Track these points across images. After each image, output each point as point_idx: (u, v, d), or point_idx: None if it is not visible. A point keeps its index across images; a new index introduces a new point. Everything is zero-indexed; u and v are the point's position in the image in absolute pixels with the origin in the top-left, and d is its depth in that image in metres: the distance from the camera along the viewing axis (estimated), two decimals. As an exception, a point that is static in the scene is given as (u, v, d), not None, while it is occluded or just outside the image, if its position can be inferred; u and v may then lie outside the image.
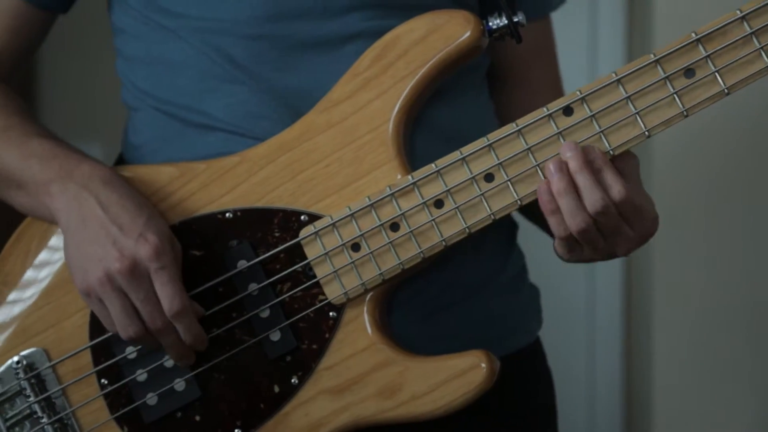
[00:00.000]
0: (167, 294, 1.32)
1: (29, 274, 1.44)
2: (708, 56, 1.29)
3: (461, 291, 1.44)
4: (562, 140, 1.31)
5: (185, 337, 1.34)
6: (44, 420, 1.40)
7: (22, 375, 1.40)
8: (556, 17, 1.63)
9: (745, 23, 1.28)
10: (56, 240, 1.42)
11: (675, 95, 1.30)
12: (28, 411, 1.40)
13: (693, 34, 1.30)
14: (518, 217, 1.58)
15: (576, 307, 2.74)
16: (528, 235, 1.59)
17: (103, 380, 1.40)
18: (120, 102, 1.52)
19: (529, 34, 1.53)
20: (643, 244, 1.35)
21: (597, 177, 1.28)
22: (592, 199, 1.28)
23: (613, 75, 1.31)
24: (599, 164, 1.29)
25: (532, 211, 1.39)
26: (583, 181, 1.28)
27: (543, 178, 1.31)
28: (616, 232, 1.31)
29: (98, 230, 1.33)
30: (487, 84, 1.54)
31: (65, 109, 2.28)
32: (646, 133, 1.31)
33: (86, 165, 1.38)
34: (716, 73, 1.29)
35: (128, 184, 1.38)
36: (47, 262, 1.43)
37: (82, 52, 2.66)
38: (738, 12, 1.29)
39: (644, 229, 1.33)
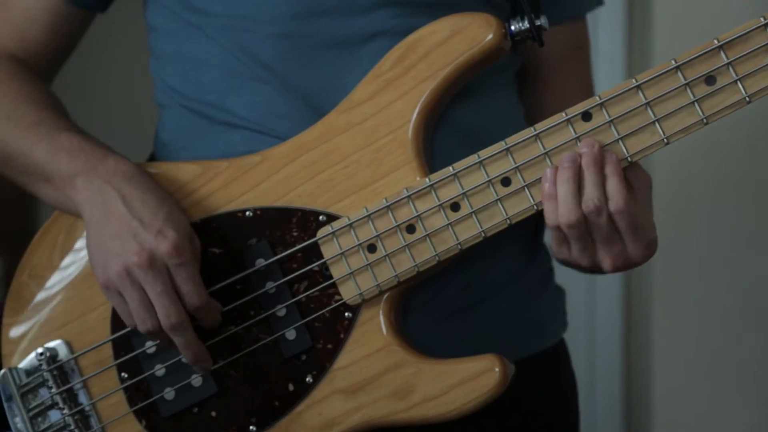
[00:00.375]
0: (188, 290, 1.35)
1: (55, 268, 1.47)
2: (729, 63, 1.28)
3: (480, 293, 1.44)
4: (579, 145, 1.31)
5: (205, 326, 1.37)
6: (65, 411, 1.43)
7: (45, 366, 1.44)
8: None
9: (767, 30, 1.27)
10: (82, 234, 1.46)
11: (695, 102, 1.29)
12: (50, 402, 1.44)
13: (715, 41, 1.29)
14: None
15: (576, 308, 2.71)
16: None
17: (123, 374, 1.43)
18: (147, 104, 1.55)
19: (563, 37, 1.54)
20: (629, 267, 1.34)
21: (603, 180, 1.28)
22: (589, 196, 1.28)
23: (633, 81, 1.31)
24: (611, 170, 1.29)
25: None
26: (588, 177, 1.28)
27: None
28: (606, 239, 1.30)
29: (119, 225, 1.36)
30: (519, 86, 1.54)
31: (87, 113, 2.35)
32: (665, 140, 1.30)
33: (111, 160, 1.41)
34: (738, 81, 1.28)
35: (152, 180, 1.41)
36: (73, 257, 1.46)
37: (111, 52, 2.73)
38: (762, 19, 1.28)
39: (636, 251, 1.32)
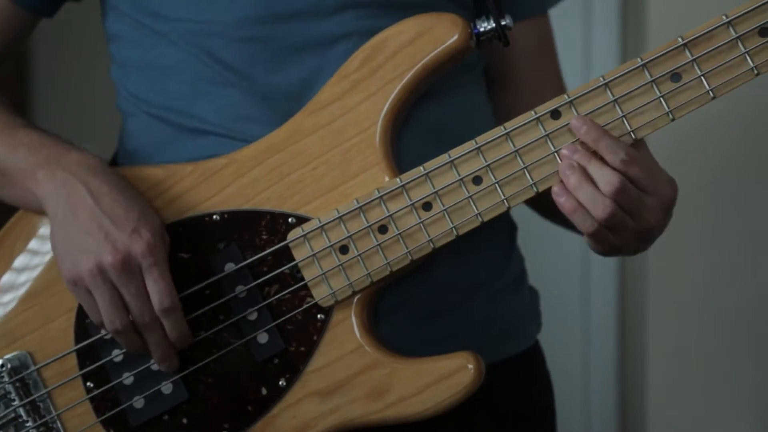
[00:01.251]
0: (158, 290, 1.35)
1: (14, 276, 1.46)
2: (694, 60, 1.34)
3: (457, 295, 1.47)
4: (549, 143, 1.35)
5: (171, 333, 1.37)
6: (29, 424, 1.43)
7: (6, 379, 1.43)
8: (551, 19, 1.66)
9: (730, 28, 1.33)
10: (41, 243, 1.45)
11: (661, 99, 1.34)
12: (12, 415, 1.43)
13: (679, 39, 1.34)
14: (516, 219, 1.62)
15: (571, 309, 2.79)
16: (522, 237, 1.62)
17: (88, 383, 1.43)
18: (111, 109, 1.55)
19: (530, 32, 1.59)
20: (669, 211, 1.37)
21: (602, 160, 1.32)
22: (605, 180, 1.31)
23: (601, 79, 1.35)
24: (602, 144, 1.32)
25: (552, 211, 1.42)
26: (593, 168, 1.32)
27: (530, 180, 1.35)
28: (639, 205, 1.33)
29: (89, 221, 1.36)
30: (489, 87, 1.58)
31: (57, 117, 2.31)
32: (633, 135, 1.35)
33: (74, 153, 1.41)
34: (702, 77, 1.34)
35: (118, 174, 1.41)
36: (32, 265, 1.46)
37: (75, 60, 2.70)
38: (724, 17, 1.33)
39: (663, 194, 1.35)
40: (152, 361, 1.40)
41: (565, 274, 2.66)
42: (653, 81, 1.34)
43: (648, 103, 1.34)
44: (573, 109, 1.35)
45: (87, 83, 2.44)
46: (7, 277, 1.46)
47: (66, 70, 2.73)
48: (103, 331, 1.40)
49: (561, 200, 1.32)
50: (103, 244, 1.34)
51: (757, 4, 1.32)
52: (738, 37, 1.33)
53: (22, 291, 1.46)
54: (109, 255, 1.34)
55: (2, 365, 1.43)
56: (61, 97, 2.75)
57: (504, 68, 1.62)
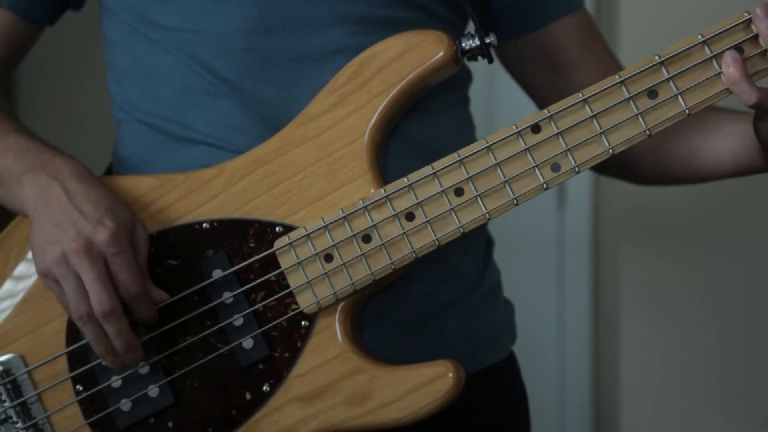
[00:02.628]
0: (124, 278, 1.42)
1: (8, 282, 1.54)
2: (670, 78, 1.40)
3: (435, 306, 1.54)
4: (529, 156, 1.42)
5: (140, 318, 1.44)
6: (19, 425, 1.50)
7: (-2, 380, 1.50)
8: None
9: (706, 47, 1.39)
10: (35, 249, 1.52)
11: (638, 115, 1.41)
12: (3, 416, 1.50)
13: (656, 57, 1.40)
14: (494, 234, 1.69)
15: (547, 321, 2.87)
16: (497, 250, 1.69)
17: (78, 386, 1.50)
18: (100, 118, 1.63)
19: (569, 27, 1.70)
20: None
21: None
22: None
23: (580, 95, 1.42)
24: None
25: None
26: None
27: (512, 195, 1.42)
28: None
29: (61, 215, 1.44)
30: (552, 79, 1.70)
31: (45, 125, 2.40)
32: (611, 150, 1.41)
33: (59, 159, 1.49)
34: (678, 95, 1.40)
35: (97, 178, 1.49)
36: (26, 271, 1.53)
37: (64, 68, 2.79)
38: (700, 36, 1.40)
39: None
40: (141, 364, 1.48)
41: (540, 289, 2.73)
42: (631, 98, 1.41)
43: (626, 119, 1.41)
44: (552, 124, 1.42)
45: (83, 92, 2.53)
46: (2, 282, 1.54)
47: (59, 79, 2.82)
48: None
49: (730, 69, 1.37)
50: (69, 232, 1.42)
51: (732, 24, 1.39)
52: (713, 56, 1.39)
53: (16, 296, 1.53)
54: (72, 242, 1.41)
55: (-5, 367, 1.51)
56: (55, 106, 2.84)
57: (561, 61, 1.71)
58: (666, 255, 2.59)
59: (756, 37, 1.38)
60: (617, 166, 1.65)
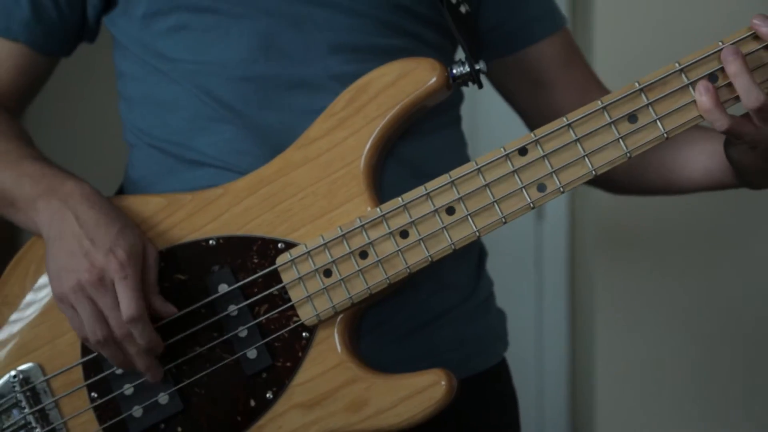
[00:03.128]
0: (123, 300, 1.49)
1: (27, 295, 1.61)
2: (649, 104, 1.48)
3: (431, 315, 1.62)
4: (516, 178, 1.50)
5: (140, 341, 1.50)
6: (38, 430, 1.57)
7: (18, 388, 1.57)
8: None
9: (683, 75, 1.47)
10: (52, 264, 1.60)
11: (620, 139, 1.49)
12: (23, 422, 1.57)
13: (636, 84, 1.49)
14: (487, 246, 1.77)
15: (525, 329, 2.96)
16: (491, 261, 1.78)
17: (92, 393, 1.57)
18: (113, 142, 1.70)
19: (551, 48, 1.78)
20: None
21: None
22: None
23: (564, 119, 1.50)
24: None
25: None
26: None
27: (500, 214, 1.50)
28: None
29: (74, 243, 1.51)
30: (535, 96, 1.78)
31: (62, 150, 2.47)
32: (593, 172, 1.49)
33: (70, 183, 1.56)
34: (657, 120, 1.48)
35: (106, 200, 1.56)
36: (44, 285, 1.60)
37: (82, 96, 2.86)
38: (677, 65, 1.48)
39: None
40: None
41: (519, 298, 2.82)
42: (612, 122, 1.49)
43: (608, 143, 1.49)
44: (539, 147, 1.50)
45: (98, 117, 2.59)
46: (22, 296, 1.61)
47: (76, 106, 2.90)
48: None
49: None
50: (83, 262, 1.49)
51: (708, 53, 1.47)
52: (689, 84, 1.47)
53: (34, 309, 1.60)
54: (86, 273, 1.49)
55: (15, 376, 1.58)
56: (72, 132, 2.92)
57: (544, 80, 1.79)
58: (638, 266, 2.67)
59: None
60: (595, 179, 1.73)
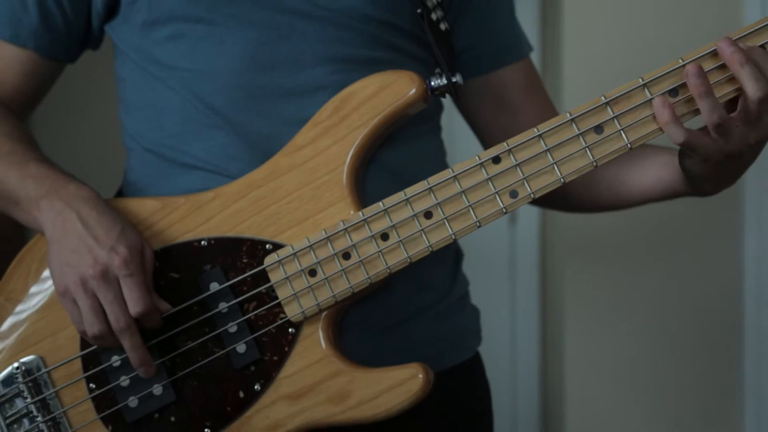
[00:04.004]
0: (133, 297, 1.56)
1: (30, 292, 1.67)
2: (615, 117, 1.56)
3: (409, 312, 1.69)
4: (490, 184, 1.57)
5: (149, 327, 1.57)
6: (39, 419, 1.64)
7: (20, 379, 1.64)
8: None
9: (646, 90, 1.55)
10: (53, 262, 1.66)
11: (587, 149, 1.56)
12: (25, 411, 1.64)
13: (602, 98, 1.56)
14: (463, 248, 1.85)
15: (500, 324, 3.04)
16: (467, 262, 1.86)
17: (91, 384, 1.64)
18: (113, 146, 1.76)
19: (515, 74, 1.86)
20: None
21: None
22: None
23: (535, 130, 1.57)
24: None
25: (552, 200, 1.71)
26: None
27: (475, 218, 1.57)
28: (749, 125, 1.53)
29: (77, 241, 1.57)
30: (497, 117, 1.85)
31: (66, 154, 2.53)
32: (562, 179, 1.57)
33: (72, 185, 1.63)
34: (621, 131, 1.56)
35: (106, 203, 1.62)
36: (45, 282, 1.67)
37: (84, 102, 2.93)
38: (640, 80, 1.56)
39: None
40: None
41: (493, 296, 2.89)
42: (580, 134, 1.57)
43: (576, 152, 1.56)
44: (511, 156, 1.57)
45: (98, 122, 2.65)
46: (24, 292, 1.67)
47: (79, 112, 2.97)
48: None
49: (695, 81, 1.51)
50: (86, 258, 1.56)
51: (669, 69, 1.54)
52: (651, 99, 1.55)
53: (36, 304, 1.67)
54: (90, 268, 1.55)
55: (17, 367, 1.64)
56: (75, 136, 2.98)
57: (507, 103, 1.86)
58: (605, 267, 2.72)
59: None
60: (552, 198, 1.76)
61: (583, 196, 1.84)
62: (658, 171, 1.74)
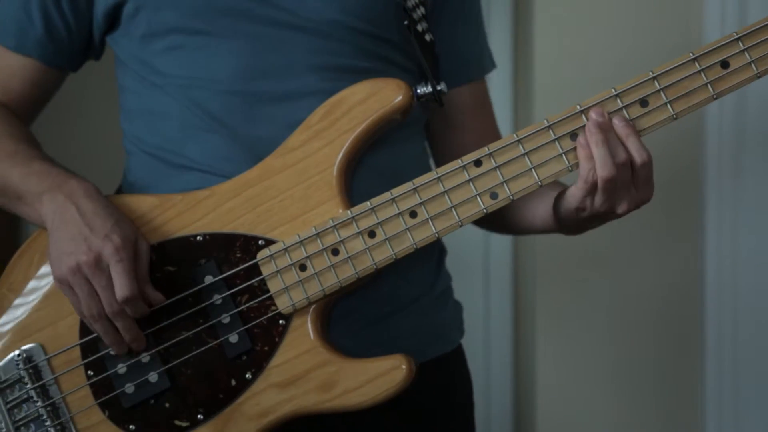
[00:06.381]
0: (119, 283, 1.59)
1: (31, 282, 1.70)
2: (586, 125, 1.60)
3: (394, 306, 1.73)
4: (472, 186, 1.61)
5: (134, 315, 1.60)
6: (39, 404, 1.66)
7: (21, 366, 1.67)
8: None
9: (618, 99, 1.59)
10: (54, 255, 1.69)
11: (563, 154, 1.60)
12: (25, 396, 1.67)
13: (578, 106, 1.60)
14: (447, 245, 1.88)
15: (475, 319, 2.99)
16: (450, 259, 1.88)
17: (89, 372, 1.66)
18: (114, 149, 1.79)
19: (467, 94, 1.87)
20: (639, 206, 1.62)
21: (626, 140, 1.58)
22: (620, 153, 1.57)
23: (515, 136, 1.61)
24: (629, 131, 1.58)
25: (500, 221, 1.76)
26: (616, 137, 1.58)
27: (457, 218, 1.60)
28: (626, 188, 1.58)
29: (74, 230, 1.61)
30: (445, 132, 1.86)
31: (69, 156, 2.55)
32: (539, 183, 1.60)
33: (73, 180, 1.66)
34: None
35: (104, 197, 1.65)
36: (46, 274, 1.69)
37: (87, 108, 2.95)
38: (613, 90, 1.59)
39: (647, 192, 1.61)
40: (142, 354, 1.65)
41: (469, 292, 2.91)
42: (556, 139, 1.60)
43: (552, 157, 1.60)
44: (492, 160, 1.61)
45: (100, 127, 2.67)
46: (26, 282, 1.70)
47: (82, 117, 3.00)
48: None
49: (582, 150, 1.57)
50: (82, 246, 1.59)
51: (643, 80, 1.59)
52: (624, 107, 1.59)
53: (37, 294, 1.69)
54: (84, 255, 1.59)
55: (18, 355, 1.67)
56: (77, 140, 3.01)
57: (454, 120, 1.89)
58: (575, 264, 2.74)
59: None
60: (489, 221, 1.83)
61: (512, 219, 1.86)
62: (542, 209, 1.76)
